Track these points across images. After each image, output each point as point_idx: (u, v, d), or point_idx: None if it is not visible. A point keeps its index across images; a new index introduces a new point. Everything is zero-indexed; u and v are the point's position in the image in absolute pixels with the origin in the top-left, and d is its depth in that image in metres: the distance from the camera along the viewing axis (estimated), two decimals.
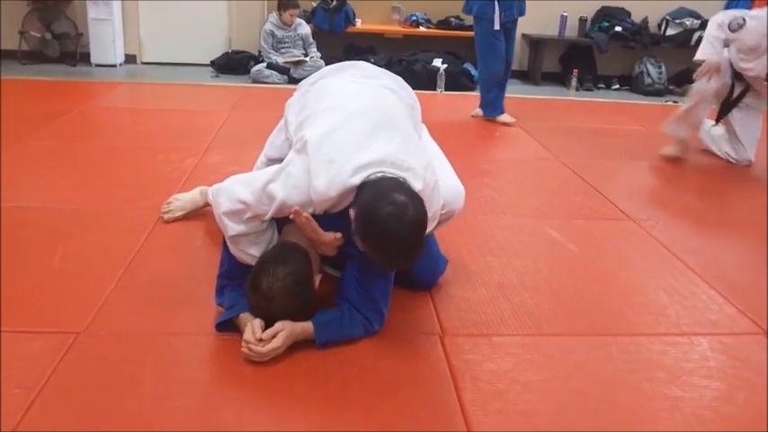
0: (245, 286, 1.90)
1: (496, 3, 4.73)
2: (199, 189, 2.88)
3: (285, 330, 1.85)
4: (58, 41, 6.92)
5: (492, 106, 5.11)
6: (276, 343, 1.83)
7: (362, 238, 1.79)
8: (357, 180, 1.81)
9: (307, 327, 1.91)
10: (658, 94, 7.20)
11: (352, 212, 1.82)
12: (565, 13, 7.31)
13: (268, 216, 1.92)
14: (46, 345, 1.88)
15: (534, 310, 2.25)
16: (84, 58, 6.94)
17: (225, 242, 2.05)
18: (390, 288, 2.06)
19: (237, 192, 1.94)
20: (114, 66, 6.95)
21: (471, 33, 7.06)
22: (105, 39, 6.89)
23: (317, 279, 1.97)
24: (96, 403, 1.66)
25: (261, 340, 1.83)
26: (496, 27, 4.80)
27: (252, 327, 1.85)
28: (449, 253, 2.48)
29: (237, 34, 7.09)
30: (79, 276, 2.30)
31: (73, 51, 6.94)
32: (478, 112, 5.23)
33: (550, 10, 7.30)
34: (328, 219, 1.91)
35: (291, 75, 6.39)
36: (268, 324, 1.86)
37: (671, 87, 7.34)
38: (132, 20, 7.07)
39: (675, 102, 6.74)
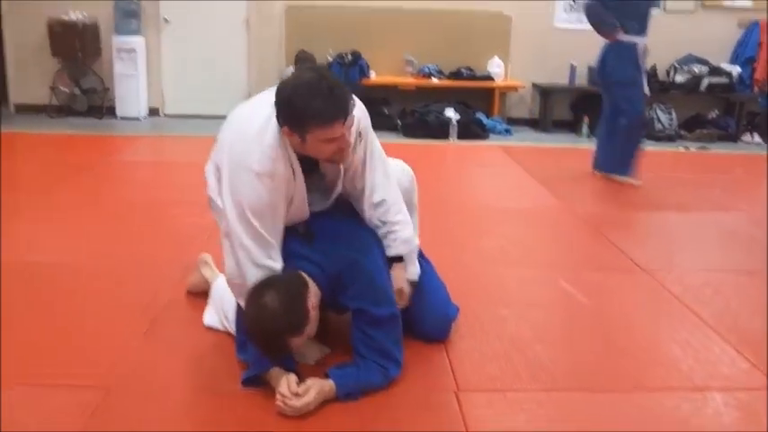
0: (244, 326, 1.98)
1: (642, 65, 4.72)
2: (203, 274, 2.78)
3: (316, 386, 1.95)
4: (85, 96, 7.18)
5: (627, 164, 4.89)
6: (309, 397, 1.92)
7: (291, 119, 1.89)
8: (272, 120, 1.94)
9: (333, 384, 1.99)
10: (669, 139, 7.29)
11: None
12: (574, 63, 7.47)
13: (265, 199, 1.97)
14: (75, 399, 1.97)
15: (548, 364, 2.31)
16: (111, 111, 7.19)
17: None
18: (400, 333, 2.15)
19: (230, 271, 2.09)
20: (138, 119, 7.18)
21: (482, 84, 7.33)
22: (130, 93, 7.14)
23: (315, 297, 1.99)
24: None
25: (296, 395, 1.91)
26: (647, 92, 4.81)
27: (288, 381, 1.94)
28: (461, 303, 2.55)
29: (256, 88, 7.28)
30: (106, 331, 2.40)
31: (100, 105, 7.18)
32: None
33: (560, 60, 7.47)
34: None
35: None
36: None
37: (682, 133, 7.44)
38: (156, 75, 7.32)
39: (687, 147, 6.84)
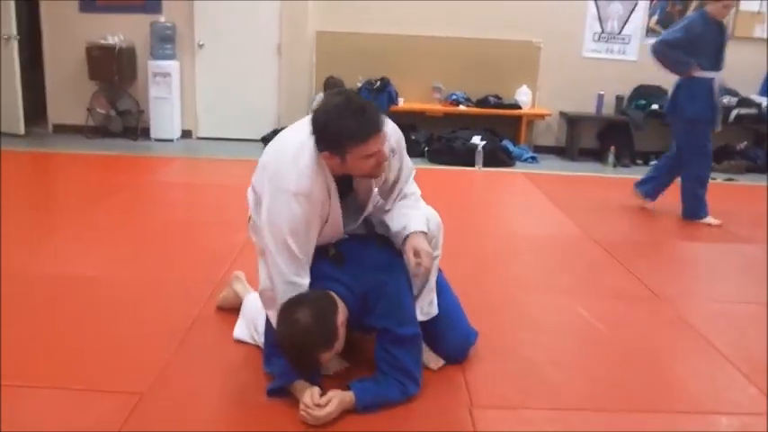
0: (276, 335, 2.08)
1: (715, 101, 4.64)
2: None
3: (337, 397, 2.05)
4: (121, 118, 7.43)
5: (701, 207, 4.83)
6: (330, 408, 2.03)
7: (329, 142, 2.02)
8: (308, 144, 2.07)
9: (353, 395, 2.09)
10: None
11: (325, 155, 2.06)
12: (601, 92, 7.54)
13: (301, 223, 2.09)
14: (112, 404, 2.09)
15: (560, 385, 2.37)
16: (145, 132, 7.41)
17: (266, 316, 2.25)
18: (420, 353, 2.25)
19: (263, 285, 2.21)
20: (172, 140, 7.39)
21: (509, 112, 7.43)
22: (164, 115, 7.37)
23: (342, 315, 2.10)
24: None
25: (318, 405, 2.01)
26: (718, 129, 4.72)
27: (311, 393, 2.05)
28: (481, 327, 2.62)
29: (286, 112, 7.48)
30: (142, 342, 2.53)
31: (134, 127, 7.42)
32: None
33: (587, 89, 7.54)
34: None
35: None
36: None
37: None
38: (189, 98, 7.54)
39: (714, 179, 6.84)
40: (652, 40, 7.55)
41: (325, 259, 2.24)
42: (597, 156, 7.60)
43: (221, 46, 7.45)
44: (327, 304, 2.07)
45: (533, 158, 7.24)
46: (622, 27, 7.58)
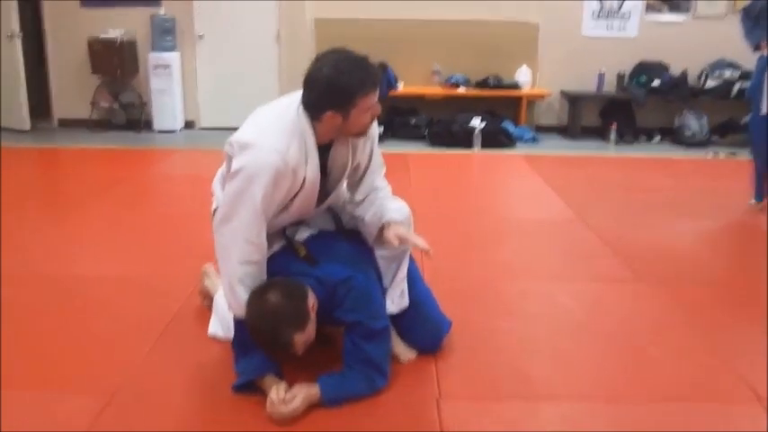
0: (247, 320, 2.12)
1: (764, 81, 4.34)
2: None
3: (302, 392, 2.10)
4: (124, 110, 7.52)
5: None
6: (296, 404, 2.07)
7: (339, 96, 2.05)
8: (292, 109, 2.12)
9: (318, 390, 2.14)
10: (701, 145, 7.24)
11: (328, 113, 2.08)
12: (602, 70, 7.48)
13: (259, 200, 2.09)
14: (81, 404, 2.15)
15: (532, 374, 2.41)
16: (148, 124, 7.50)
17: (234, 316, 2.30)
18: (389, 347, 2.30)
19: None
20: (174, 131, 7.47)
21: (508, 93, 7.40)
22: (166, 107, 7.44)
23: (312, 299, 2.14)
24: None
25: (284, 401, 2.06)
26: (764, 111, 4.33)
27: (278, 389, 2.10)
28: (458, 315, 2.65)
29: None
30: (119, 340, 2.60)
31: (137, 119, 7.50)
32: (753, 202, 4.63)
33: (588, 67, 7.49)
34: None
35: None
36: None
37: (714, 138, 7.38)
38: (191, 89, 7.60)
39: (717, 153, 6.80)
40: (652, 16, 7.53)
41: (296, 259, 2.29)
42: (600, 133, 7.56)
43: (221, 36, 7.49)
44: (297, 287, 2.12)
45: (534, 139, 7.22)
46: (621, 4, 7.49)
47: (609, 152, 6.90)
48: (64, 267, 3.39)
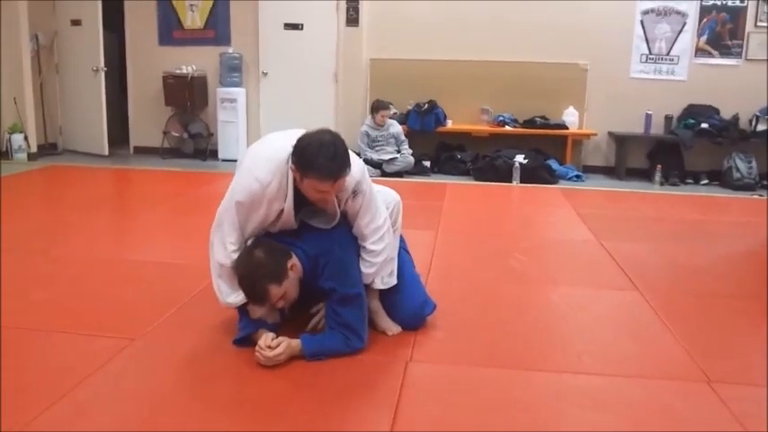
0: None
1: None
2: None
3: (286, 342, 2.41)
4: (193, 140, 8.15)
5: None
6: (280, 350, 2.39)
7: (299, 161, 2.32)
8: (284, 153, 2.40)
9: (300, 342, 2.45)
10: (749, 188, 7.21)
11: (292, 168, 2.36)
12: (650, 112, 7.60)
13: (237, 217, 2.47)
14: (105, 345, 2.53)
15: (502, 348, 2.63)
16: (213, 153, 8.10)
17: None
18: (365, 312, 2.57)
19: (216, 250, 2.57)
20: (237, 160, 7.98)
21: (553, 132, 7.61)
22: (231, 138, 8.04)
23: (294, 261, 2.45)
24: (139, 393, 2.26)
25: (270, 347, 2.37)
26: None
27: (266, 337, 2.42)
28: (446, 303, 2.92)
29: (342, 134, 7.87)
30: (149, 303, 3.00)
31: (204, 148, 8.11)
32: None
33: (636, 109, 7.63)
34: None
35: (384, 169, 7.11)
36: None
37: (763, 182, 7.33)
38: (254, 122, 8.18)
39: (761, 195, 6.76)
40: (701, 60, 7.63)
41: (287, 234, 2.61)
42: (646, 175, 7.62)
43: (283, 74, 8.08)
44: (281, 249, 2.46)
45: (578, 177, 7.37)
46: (671, 48, 7.64)
47: (652, 191, 6.96)
48: (121, 253, 3.98)
